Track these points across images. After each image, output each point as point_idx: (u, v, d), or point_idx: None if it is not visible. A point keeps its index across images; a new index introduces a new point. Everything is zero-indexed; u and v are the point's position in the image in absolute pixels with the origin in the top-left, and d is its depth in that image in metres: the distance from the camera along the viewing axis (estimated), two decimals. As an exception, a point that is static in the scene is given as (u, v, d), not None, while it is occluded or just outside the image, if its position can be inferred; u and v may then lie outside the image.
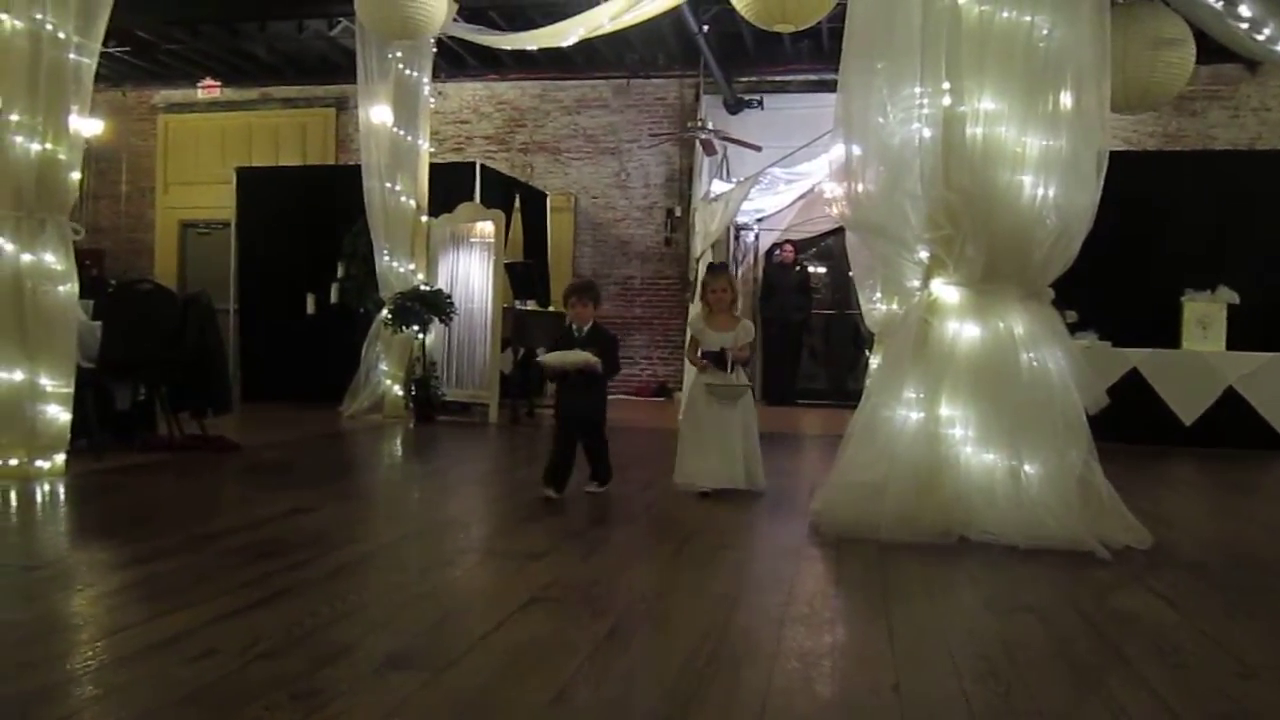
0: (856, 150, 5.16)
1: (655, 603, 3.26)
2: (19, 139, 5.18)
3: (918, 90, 4.65)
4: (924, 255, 4.76)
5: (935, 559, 3.95)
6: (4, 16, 5.19)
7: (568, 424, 5.12)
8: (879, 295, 7.07)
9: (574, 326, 5.09)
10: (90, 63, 5.45)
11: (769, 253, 12.35)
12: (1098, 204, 4.53)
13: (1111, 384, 7.50)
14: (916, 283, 4.87)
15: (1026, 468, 4.35)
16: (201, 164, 13.47)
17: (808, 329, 12.40)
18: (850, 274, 9.14)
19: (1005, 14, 4.43)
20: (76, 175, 5.43)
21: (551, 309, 10.13)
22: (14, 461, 5.17)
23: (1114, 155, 4.60)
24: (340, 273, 9.64)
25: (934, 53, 4.54)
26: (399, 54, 8.98)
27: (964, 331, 4.50)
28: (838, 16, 6.78)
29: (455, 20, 8.81)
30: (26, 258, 5.20)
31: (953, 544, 4.17)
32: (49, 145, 5.24)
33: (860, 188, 5.18)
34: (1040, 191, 4.46)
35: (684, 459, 5.29)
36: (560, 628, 2.93)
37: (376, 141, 9.14)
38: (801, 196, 11.29)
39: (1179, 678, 2.62)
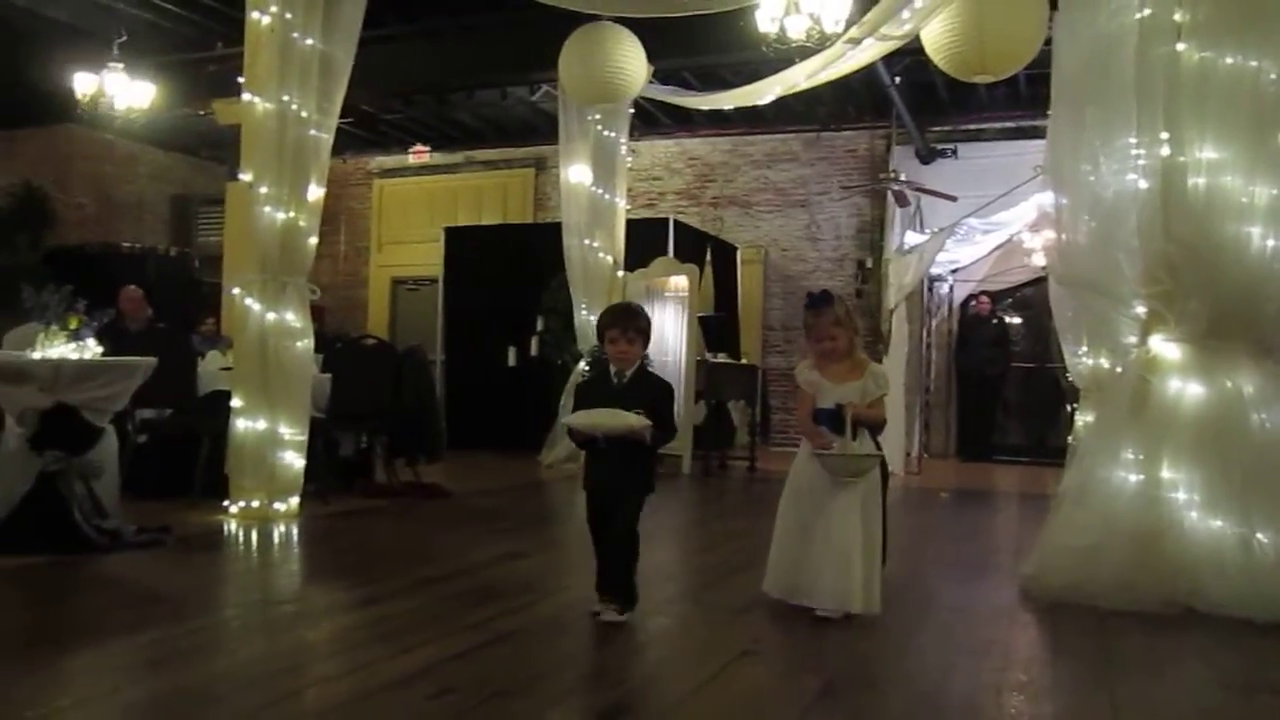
0: (1065, 201, 5.05)
1: (867, 662, 3.25)
2: (267, 209, 5.70)
3: (1132, 140, 4.52)
4: (1140, 310, 4.58)
5: (1159, 629, 3.76)
6: (256, 99, 5.75)
7: (591, 505, 3.66)
8: (1085, 348, 6.82)
9: (611, 371, 3.61)
10: (328, 138, 5.95)
11: (964, 304, 12.07)
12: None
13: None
14: (1132, 339, 4.69)
15: (1260, 535, 4.09)
16: (411, 224, 14.32)
17: (1004, 382, 12.00)
18: (1052, 325, 8.86)
19: (1229, 60, 4.26)
20: (314, 240, 5.92)
21: (744, 361, 10.23)
22: (255, 503, 5.62)
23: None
24: (540, 326, 10.04)
25: (1150, 101, 4.40)
26: (598, 116, 9.35)
27: (1187, 390, 4.30)
28: (1036, 62, 6.67)
29: (651, 82, 9.11)
30: (270, 317, 5.69)
31: (1178, 614, 3.95)
32: (292, 214, 5.74)
33: (1070, 239, 5.06)
34: (1271, 242, 4.23)
35: (775, 559, 3.87)
36: (773, 682, 2.96)
37: (576, 200, 9.50)
38: (999, 246, 11.00)
39: None
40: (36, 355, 4.62)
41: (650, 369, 3.75)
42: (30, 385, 4.57)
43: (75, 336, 4.72)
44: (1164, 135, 4.33)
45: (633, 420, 3.40)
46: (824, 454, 3.71)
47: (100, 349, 4.85)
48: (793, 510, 3.83)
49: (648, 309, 9.57)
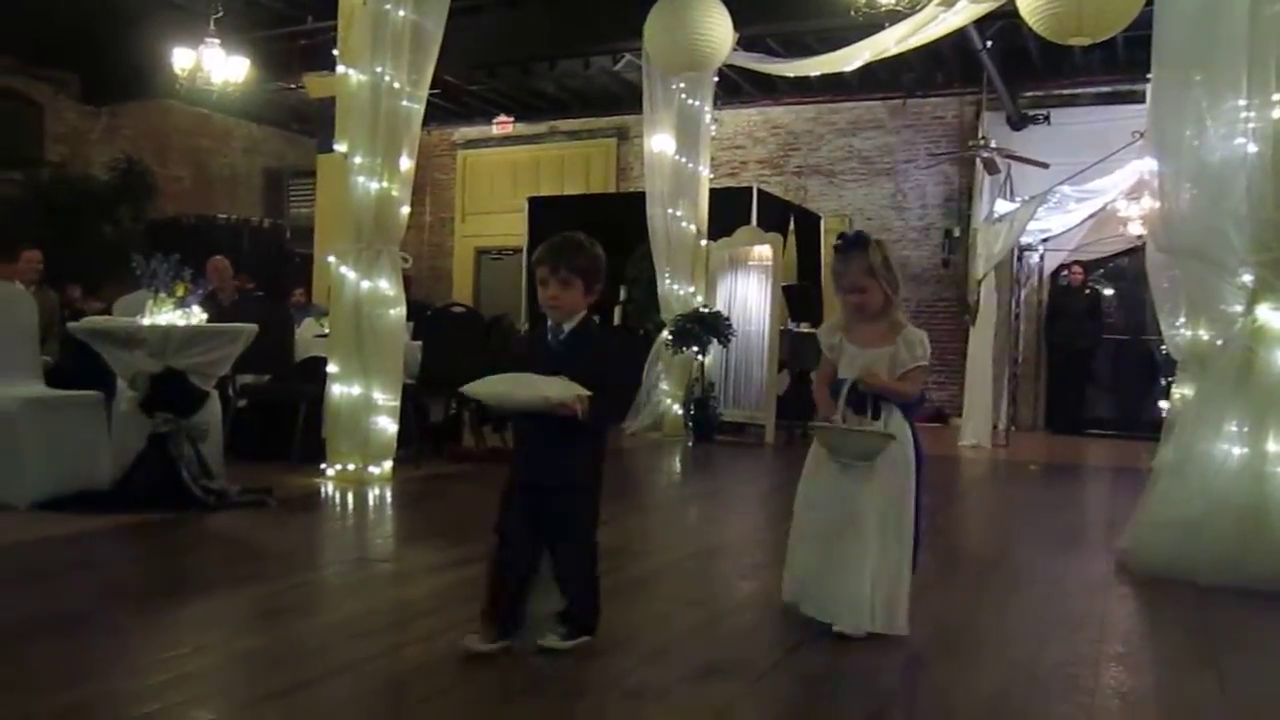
0: (1168, 168, 4.90)
1: (960, 632, 3.24)
2: (361, 179, 5.81)
3: (1241, 103, 4.35)
4: (1247, 279, 4.43)
5: (1264, 606, 3.67)
6: (351, 71, 5.85)
7: (518, 504, 2.80)
8: (1183, 319, 6.62)
9: (549, 325, 2.81)
10: (419, 108, 6.03)
11: (1055, 274, 11.80)
12: None
13: None
14: (1238, 308, 4.54)
15: (1372, 511, 3.96)
16: (495, 195, 14.47)
17: (1096, 354, 11.73)
18: (1148, 296, 8.59)
19: (1348, 17, 4.08)
20: (406, 209, 6.03)
21: (826, 332, 10.14)
22: (351, 467, 5.78)
23: None
24: (623, 295, 10.09)
25: (1262, 62, 4.22)
26: (682, 85, 9.31)
27: (1297, 361, 4.16)
28: (1136, 24, 6.45)
29: (734, 49, 9.03)
30: (365, 285, 5.81)
31: (1283, 590, 3.85)
32: (385, 183, 5.84)
33: (1172, 207, 4.90)
34: (1389, 208, 4.06)
35: (791, 562, 3.24)
36: (862, 650, 2.96)
37: (659, 169, 9.50)
38: (1092, 215, 10.69)
39: None
40: (146, 321, 4.81)
41: (601, 324, 2.85)
42: (141, 350, 4.76)
43: (182, 304, 4.89)
44: (1276, 97, 4.17)
45: (552, 389, 2.59)
46: (823, 427, 3.06)
47: (205, 316, 5.03)
48: (802, 502, 3.21)
49: (730, 278, 9.85)
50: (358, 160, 5.82)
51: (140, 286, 5.07)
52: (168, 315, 4.84)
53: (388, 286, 5.88)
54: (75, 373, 5.73)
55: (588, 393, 2.60)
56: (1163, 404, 7.50)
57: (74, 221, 11.04)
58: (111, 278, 9.37)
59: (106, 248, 10.88)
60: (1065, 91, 11.51)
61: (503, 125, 14.27)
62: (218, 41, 9.51)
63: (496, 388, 2.72)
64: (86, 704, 2.35)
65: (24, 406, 4.78)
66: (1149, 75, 5.40)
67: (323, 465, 5.86)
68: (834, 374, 3.16)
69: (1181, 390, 6.98)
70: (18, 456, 4.69)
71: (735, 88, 12.20)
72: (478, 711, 2.44)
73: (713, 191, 10.00)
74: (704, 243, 9.66)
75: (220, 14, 9.44)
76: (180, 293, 4.88)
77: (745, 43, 9.18)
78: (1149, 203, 7.40)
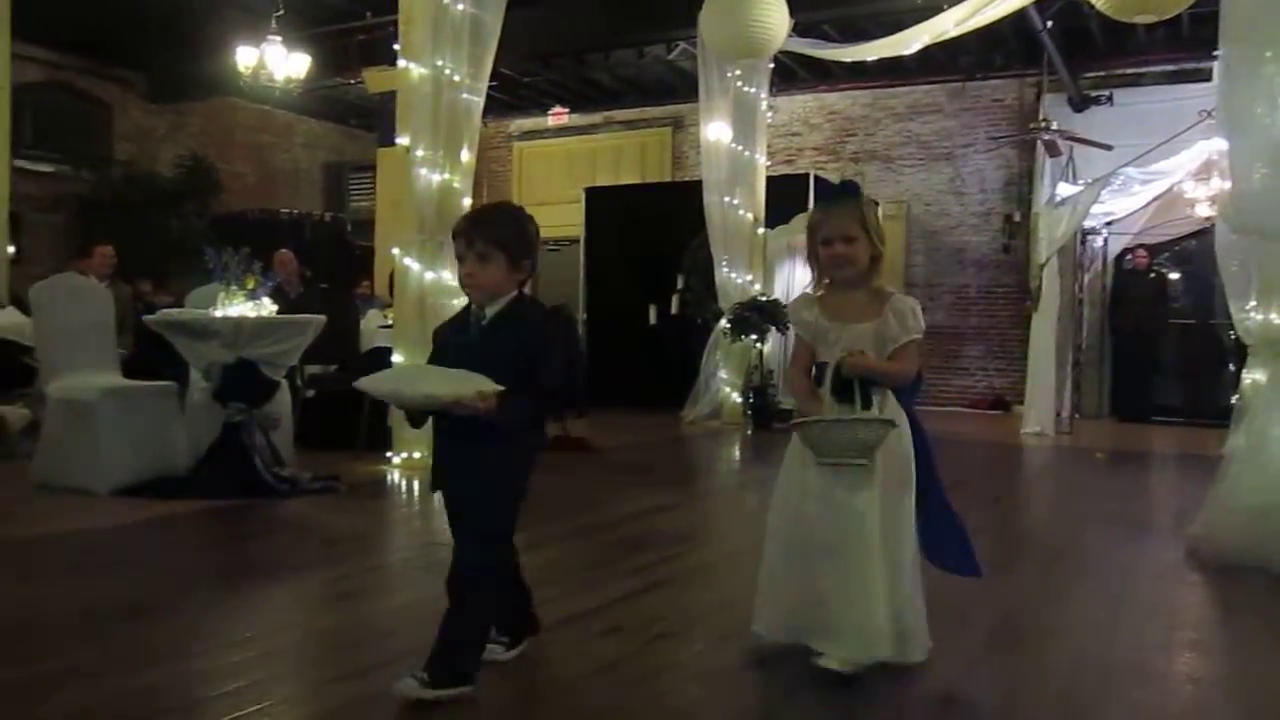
0: (1239, 146, 4.80)
1: (1029, 617, 3.23)
2: (423, 171, 5.89)
3: (1316, 80, 4.26)
4: (1323, 259, 4.34)
5: (1341, 592, 3.60)
6: (412, 65, 5.93)
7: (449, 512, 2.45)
8: (1254, 302, 6.48)
9: (470, 309, 2.40)
10: (479, 100, 6.09)
11: (1119, 258, 11.58)
12: None
13: None
14: (1312, 290, 4.45)
15: None
16: (551, 186, 14.53)
17: (1162, 340, 11.49)
18: (1215, 280, 8.40)
19: None
20: (468, 201, 6.10)
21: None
22: (416, 455, 5.86)
23: None
24: (680, 284, 10.10)
25: (1338, 38, 4.13)
26: (738, 72, 9.29)
27: (1374, 343, 4.06)
28: (1201, 0, 6.30)
29: (790, 35, 8.97)
30: (429, 276, 5.90)
31: (1363, 579, 3.77)
32: (447, 175, 5.92)
33: (1244, 187, 4.81)
34: None
35: (765, 588, 2.69)
36: (934, 634, 2.96)
37: (716, 157, 9.49)
38: (1158, 197, 10.46)
39: None
40: (219, 313, 4.94)
41: (535, 303, 2.46)
42: (214, 341, 4.89)
43: (252, 296, 5.02)
44: (1353, 73, 4.06)
45: (445, 385, 2.17)
46: (806, 422, 2.55)
47: (275, 307, 5.14)
48: (781, 520, 2.68)
49: (788, 265, 9.82)
50: (420, 153, 5.89)
51: (210, 279, 5.20)
52: (239, 307, 4.96)
53: (451, 277, 5.95)
54: (150, 364, 5.90)
55: (496, 388, 2.15)
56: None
57: (142, 217, 11.32)
58: (179, 271, 9.61)
59: (173, 243, 11.14)
60: (1128, 71, 11.28)
61: (558, 116, 14.32)
62: (279, 39, 9.68)
63: (386, 384, 2.41)
64: (166, 683, 2.44)
65: (103, 396, 4.93)
66: (1215, 53, 5.30)
67: (388, 453, 5.96)
68: (812, 358, 2.67)
69: (1253, 375, 6.84)
70: (98, 444, 4.86)
71: (791, 74, 12.13)
72: (545, 693, 2.48)
73: (769, 179, 9.98)
74: (761, 230, 9.65)
75: (281, 11, 9.60)
76: (251, 285, 5.01)
77: (801, 28, 9.12)
78: (1217, 184, 7.25)
